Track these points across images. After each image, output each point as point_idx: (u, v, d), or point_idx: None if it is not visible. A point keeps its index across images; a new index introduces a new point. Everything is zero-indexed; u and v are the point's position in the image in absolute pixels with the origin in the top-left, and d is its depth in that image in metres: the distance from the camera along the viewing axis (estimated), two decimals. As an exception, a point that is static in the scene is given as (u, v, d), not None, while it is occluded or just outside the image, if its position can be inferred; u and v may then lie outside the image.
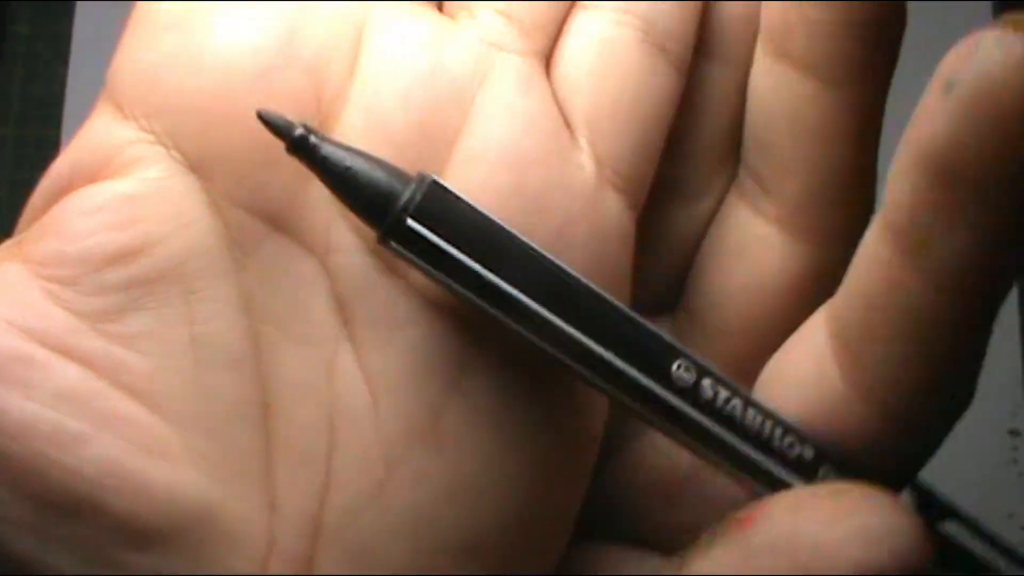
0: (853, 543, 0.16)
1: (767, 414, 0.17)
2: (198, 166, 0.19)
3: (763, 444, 0.17)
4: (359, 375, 0.19)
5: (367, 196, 0.18)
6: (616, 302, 0.18)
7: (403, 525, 0.19)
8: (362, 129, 0.19)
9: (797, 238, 0.20)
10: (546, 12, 0.19)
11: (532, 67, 0.19)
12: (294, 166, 0.19)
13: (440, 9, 0.20)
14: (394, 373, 0.19)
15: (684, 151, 0.21)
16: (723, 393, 0.17)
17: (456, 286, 0.18)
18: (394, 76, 0.19)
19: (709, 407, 0.17)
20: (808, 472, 0.18)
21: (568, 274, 0.18)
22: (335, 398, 0.19)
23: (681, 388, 0.17)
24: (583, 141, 0.19)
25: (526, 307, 0.17)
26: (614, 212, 0.19)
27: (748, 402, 0.17)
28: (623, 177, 0.19)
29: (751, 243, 0.21)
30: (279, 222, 0.20)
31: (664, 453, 0.21)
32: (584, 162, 0.19)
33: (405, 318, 0.19)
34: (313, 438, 0.19)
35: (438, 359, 0.19)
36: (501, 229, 0.18)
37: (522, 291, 0.17)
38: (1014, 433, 0.64)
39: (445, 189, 0.18)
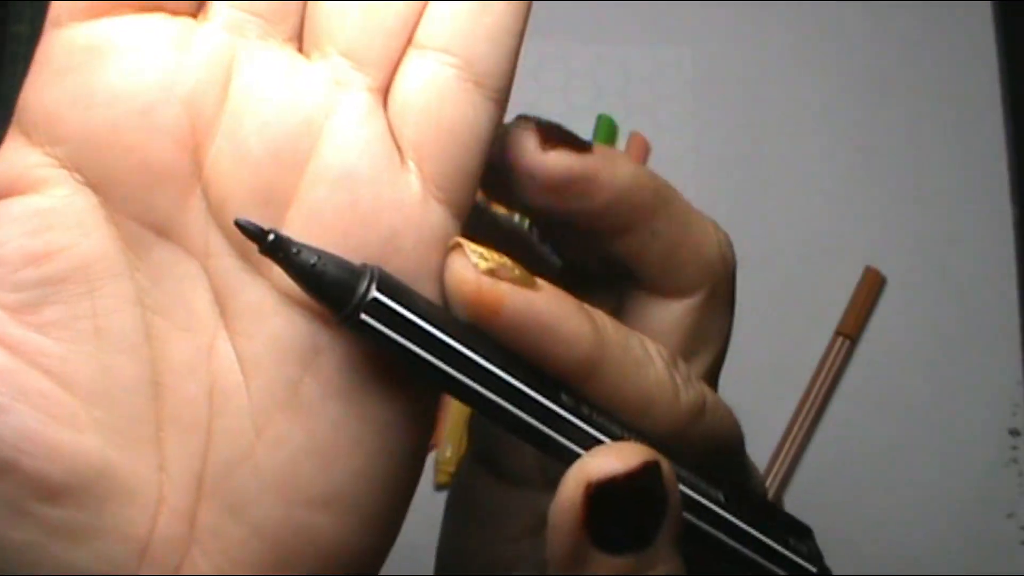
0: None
1: (609, 418, 0.24)
2: (95, 186, 0.23)
3: (608, 433, 0.24)
4: (233, 357, 0.23)
5: (329, 289, 0.22)
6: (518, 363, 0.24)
7: (269, 481, 0.23)
8: (229, 154, 0.23)
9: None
10: (384, 54, 0.23)
11: (372, 101, 0.23)
12: (177, 186, 0.23)
13: (299, 49, 0.24)
14: (261, 355, 0.23)
15: None
16: (585, 409, 0.24)
17: (400, 342, 0.23)
18: (255, 108, 0.23)
19: (579, 415, 0.24)
20: None
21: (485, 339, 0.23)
22: (213, 376, 0.23)
23: (566, 406, 0.24)
24: (411, 163, 0.23)
25: (462, 355, 0.23)
26: (438, 221, 0.24)
27: (598, 412, 0.24)
28: (445, 191, 0.24)
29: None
30: (165, 231, 0.23)
31: None
32: (412, 181, 0.23)
33: (269, 310, 0.23)
34: (195, 410, 0.23)
35: (296, 343, 0.23)
36: (434, 305, 0.23)
37: (456, 340, 0.23)
38: (1014, 433, 0.64)
39: (389, 278, 0.23)
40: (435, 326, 0.23)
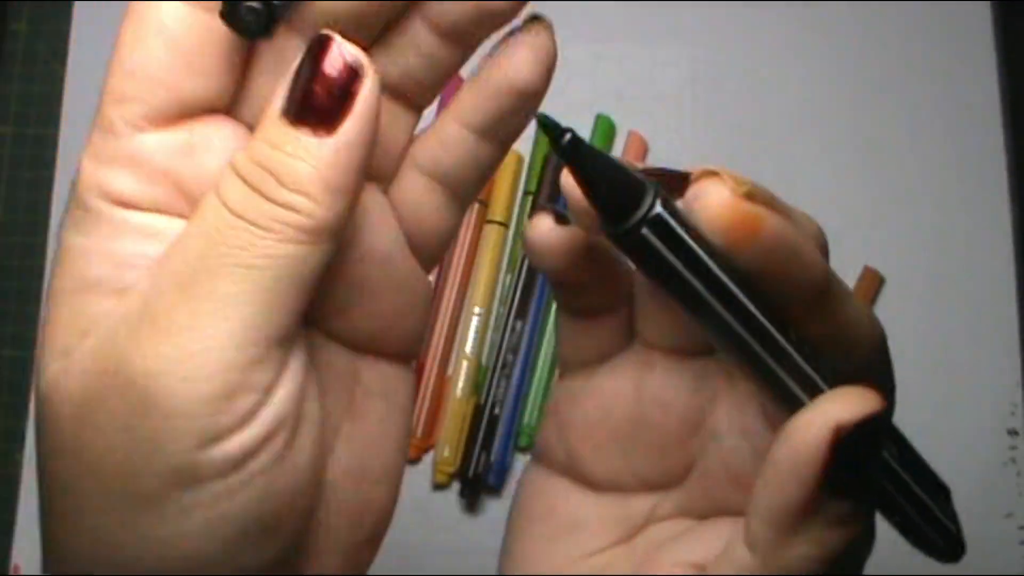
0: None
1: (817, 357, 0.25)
2: None
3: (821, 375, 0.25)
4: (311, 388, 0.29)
5: (611, 199, 0.23)
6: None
7: (347, 466, 0.29)
8: None
9: None
10: (392, 172, 0.29)
11: (387, 203, 0.30)
12: None
13: None
14: (323, 378, 0.29)
15: None
16: (806, 348, 0.25)
17: (673, 263, 0.23)
18: None
19: (804, 354, 0.25)
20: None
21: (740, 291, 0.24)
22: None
23: (792, 341, 0.25)
24: (403, 231, 0.30)
25: (720, 283, 0.24)
26: (429, 284, 0.31)
27: (812, 353, 0.25)
28: (425, 249, 0.30)
29: None
30: None
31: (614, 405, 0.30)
32: (405, 243, 0.30)
33: (317, 345, 0.29)
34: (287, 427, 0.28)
35: (342, 365, 0.29)
36: (695, 229, 0.24)
37: (719, 268, 0.24)
38: (1012, 433, 0.64)
39: (664, 192, 0.24)
40: (705, 252, 0.23)
